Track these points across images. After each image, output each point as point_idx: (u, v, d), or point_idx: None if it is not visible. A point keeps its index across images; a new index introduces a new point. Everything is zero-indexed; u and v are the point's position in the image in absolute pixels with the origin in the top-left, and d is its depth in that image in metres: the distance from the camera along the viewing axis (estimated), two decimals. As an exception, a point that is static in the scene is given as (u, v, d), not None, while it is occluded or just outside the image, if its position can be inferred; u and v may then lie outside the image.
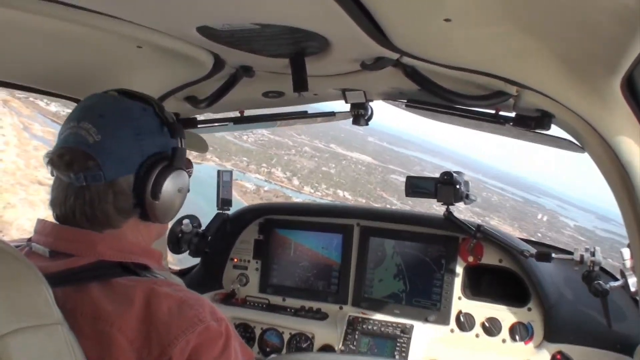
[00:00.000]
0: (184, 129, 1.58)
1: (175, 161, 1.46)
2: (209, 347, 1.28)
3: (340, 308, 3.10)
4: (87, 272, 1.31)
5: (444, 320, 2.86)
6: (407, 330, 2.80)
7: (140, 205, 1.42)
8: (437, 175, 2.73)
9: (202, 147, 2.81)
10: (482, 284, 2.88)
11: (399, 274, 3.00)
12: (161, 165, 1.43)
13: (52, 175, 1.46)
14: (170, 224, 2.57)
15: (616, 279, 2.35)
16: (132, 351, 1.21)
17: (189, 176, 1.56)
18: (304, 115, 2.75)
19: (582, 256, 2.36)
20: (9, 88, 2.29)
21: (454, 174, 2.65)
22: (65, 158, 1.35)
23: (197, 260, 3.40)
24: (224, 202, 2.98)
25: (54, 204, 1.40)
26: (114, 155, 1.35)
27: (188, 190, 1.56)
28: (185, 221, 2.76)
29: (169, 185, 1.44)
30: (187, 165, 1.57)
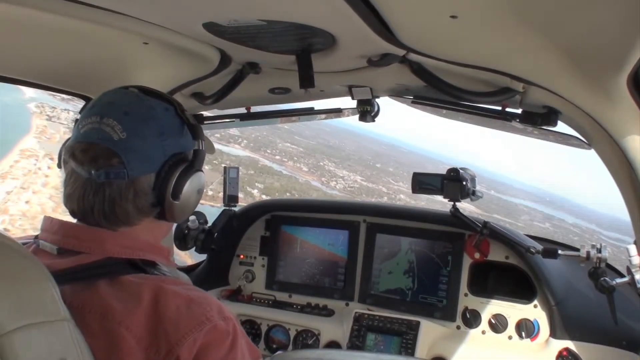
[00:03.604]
0: None
1: (196, 163, 1.47)
2: (216, 346, 1.28)
3: (347, 304, 3.10)
4: (95, 270, 1.31)
5: (450, 317, 2.86)
6: (413, 327, 2.79)
7: (159, 204, 1.42)
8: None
9: (208, 148, 2.82)
10: (489, 280, 2.87)
11: (409, 271, 2.99)
12: (183, 165, 1.43)
13: (59, 167, 1.46)
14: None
15: (622, 276, 2.34)
16: (139, 349, 1.22)
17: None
18: (310, 111, 2.76)
19: (588, 253, 2.35)
20: (17, 84, 2.30)
21: (461, 170, 2.64)
22: (89, 153, 1.34)
23: (203, 257, 3.41)
24: (230, 198, 2.99)
25: (70, 199, 1.38)
26: (138, 153, 1.35)
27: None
28: (192, 218, 2.76)
29: (190, 186, 1.44)
30: None
